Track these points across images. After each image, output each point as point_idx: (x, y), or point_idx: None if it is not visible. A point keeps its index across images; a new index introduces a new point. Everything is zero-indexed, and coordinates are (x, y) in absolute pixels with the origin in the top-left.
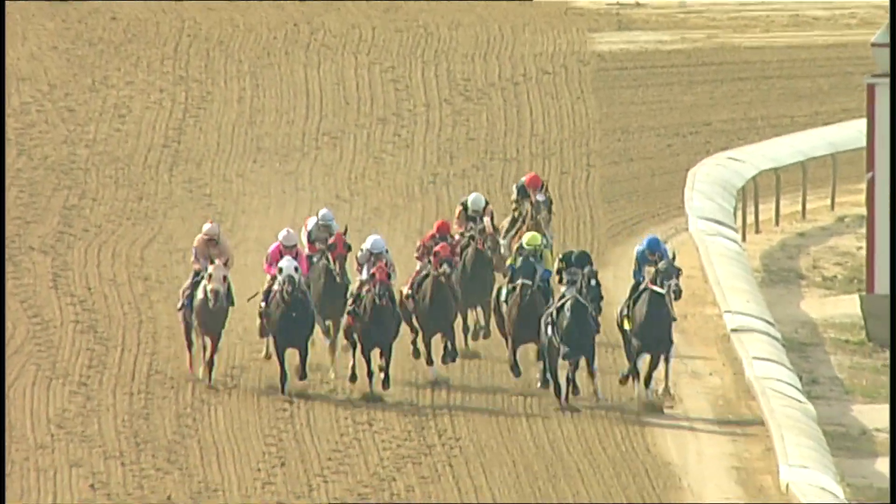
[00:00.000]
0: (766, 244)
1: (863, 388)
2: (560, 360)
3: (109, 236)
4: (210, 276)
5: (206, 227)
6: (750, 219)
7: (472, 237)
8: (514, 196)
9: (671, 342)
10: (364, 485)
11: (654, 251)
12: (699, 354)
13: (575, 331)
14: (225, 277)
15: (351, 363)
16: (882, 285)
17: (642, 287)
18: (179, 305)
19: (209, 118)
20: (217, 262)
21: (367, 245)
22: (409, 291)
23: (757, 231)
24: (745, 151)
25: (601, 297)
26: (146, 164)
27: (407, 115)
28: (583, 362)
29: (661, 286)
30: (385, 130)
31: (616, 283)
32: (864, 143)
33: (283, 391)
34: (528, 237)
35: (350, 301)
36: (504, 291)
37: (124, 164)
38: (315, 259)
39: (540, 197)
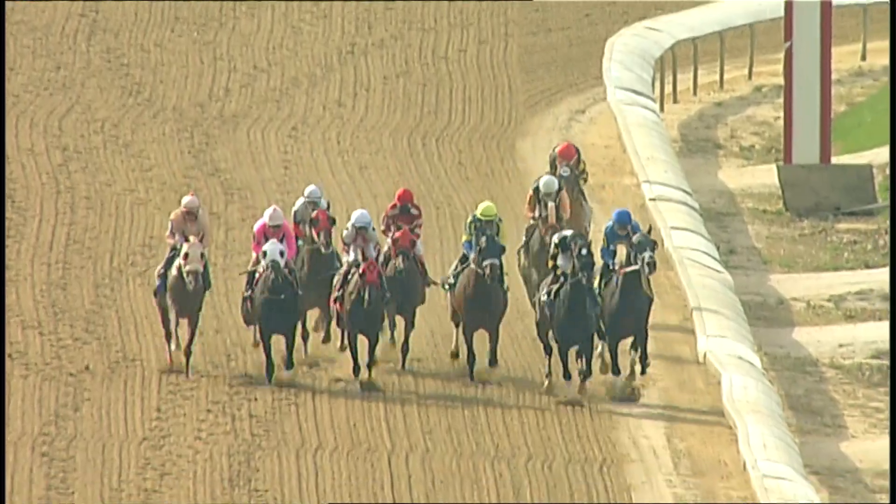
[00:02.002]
0: (684, 114)
1: (780, 258)
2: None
3: (27, 106)
4: (186, 255)
5: (186, 199)
6: (668, 89)
7: (535, 225)
8: (548, 169)
9: (645, 330)
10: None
11: (623, 226)
12: None
13: (569, 323)
14: (202, 255)
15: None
16: (799, 155)
17: (612, 268)
18: (155, 288)
19: None
20: (193, 239)
21: (351, 220)
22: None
23: (675, 101)
24: (663, 21)
25: (592, 265)
26: (63, 34)
27: None
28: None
29: (635, 260)
30: None
31: (534, 152)
32: (781, 12)
33: (269, 381)
34: (483, 207)
35: (336, 286)
36: (451, 273)
37: (42, 34)
38: (300, 243)
39: (564, 172)
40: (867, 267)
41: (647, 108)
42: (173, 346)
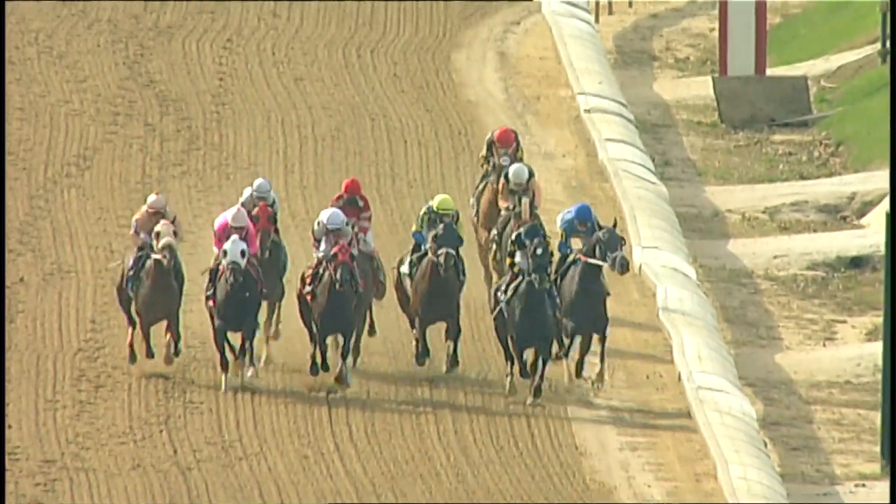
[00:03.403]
0: (619, 25)
1: (715, 170)
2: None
3: None
4: (157, 233)
5: (151, 199)
6: (603, 0)
7: (508, 216)
8: (483, 151)
9: (606, 320)
10: None
11: (584, 221)
12: (552, 136)
13: (526, 323)
14: (175, 234)
15: (311, 353)
16: (734, 67)
17: (572, 259)
18: (118, 286)
19: None
20: (163, 221)
21: (322, 219)
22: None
23: (610, 12)
24: None
25: (549, 263)
26: None
27: None
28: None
29: (604, 258)
30: None
31: (469, 64)
32: None
33: (224, 376)
34: (439, 200)
35: (308, 279)
36: (408, 263)
37: None
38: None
39: (504, 161)
40: (802, 178)
41: (582, 20)
42: (132, 342)
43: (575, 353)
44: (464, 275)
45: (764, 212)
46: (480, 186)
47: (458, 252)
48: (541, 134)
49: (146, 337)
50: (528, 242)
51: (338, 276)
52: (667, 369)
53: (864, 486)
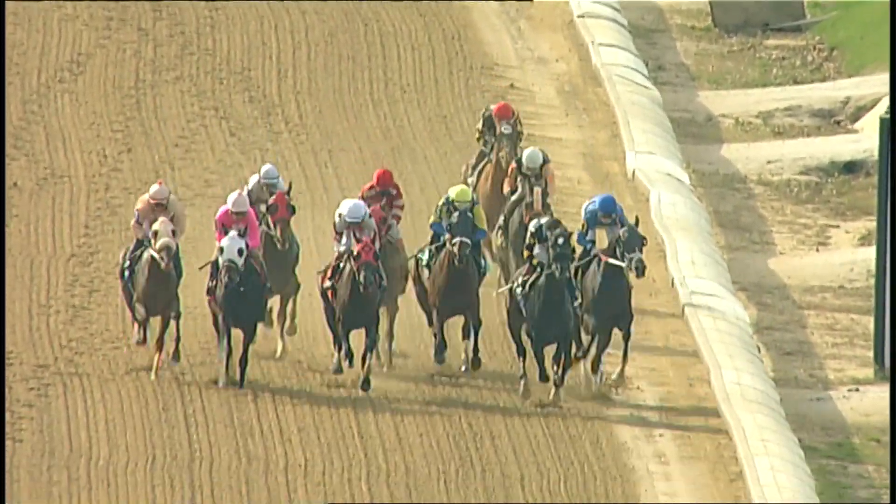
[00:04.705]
0: None
1: (709, 75)
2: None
3: None
4: (156, 232)
5: (153, 189)
6: None
7: (516, 203)
8: (479, 125)
9: (630, 316)
10: (210, 171)
11: (608, 213)
12: (546, 40)
13: (545, 318)
14: (174, 233)
15: (334, 351)
16: None
17: (593, 254)
18: (119, 275)
19: None
20: (162, 218)
21: (343, 211)
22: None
23: None
24: None
25: (569, 256)
26: None
27: None
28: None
29: (622, 258)
30: None
31: None
32: None
33: (225, 375)
34: (458, 191)
35: (328, 273)
36: (426, 254)
37: None
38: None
39: (506, 129)
40: (795, 83)
41: None
42: (137, 335)
43: (592, 349)
44: (483, 266)
45: (757, 116)
46: (479, 166)
47: (477, 242)
48: (534, 38)
49: (143, 325)
50: (548, 234)
51: (362, 278)
52: (660, 274)
53: (857, 390)
